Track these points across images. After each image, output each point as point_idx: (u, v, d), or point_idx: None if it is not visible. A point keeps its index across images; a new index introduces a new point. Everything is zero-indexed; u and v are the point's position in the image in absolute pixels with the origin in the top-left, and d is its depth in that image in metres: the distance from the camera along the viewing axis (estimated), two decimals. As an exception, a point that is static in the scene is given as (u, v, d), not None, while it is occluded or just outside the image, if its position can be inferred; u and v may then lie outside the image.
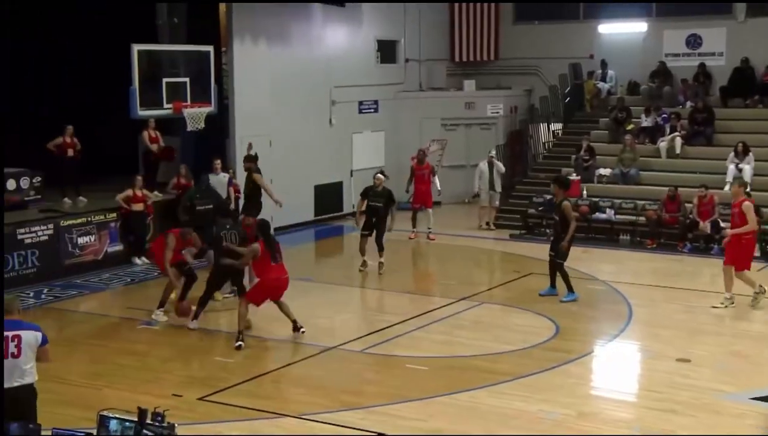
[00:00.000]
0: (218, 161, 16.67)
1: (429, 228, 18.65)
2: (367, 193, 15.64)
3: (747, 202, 13.15)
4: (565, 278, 13.63)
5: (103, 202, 16.48)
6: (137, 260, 16.23)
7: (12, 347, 7.00)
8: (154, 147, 17.56)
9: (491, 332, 12.34)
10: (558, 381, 10.31)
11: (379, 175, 15.82)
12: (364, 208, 15.70)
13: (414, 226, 18.69)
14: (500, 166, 20.10)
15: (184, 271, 12.84)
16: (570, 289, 13.62)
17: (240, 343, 11.40)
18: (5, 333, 7.04)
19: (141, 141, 17.76)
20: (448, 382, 10.24)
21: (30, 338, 7.09)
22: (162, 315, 12.73)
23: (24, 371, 7.08)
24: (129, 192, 16.05)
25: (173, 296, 12.81)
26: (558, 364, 10.83)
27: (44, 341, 7.22)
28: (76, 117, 17.02)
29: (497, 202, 20.25)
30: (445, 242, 17.89)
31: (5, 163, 16.07)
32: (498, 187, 20.06)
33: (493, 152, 20.51)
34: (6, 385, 6.96)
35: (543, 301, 13.90)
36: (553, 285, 13.84)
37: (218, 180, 16.48)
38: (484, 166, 19.93)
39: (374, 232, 15.49)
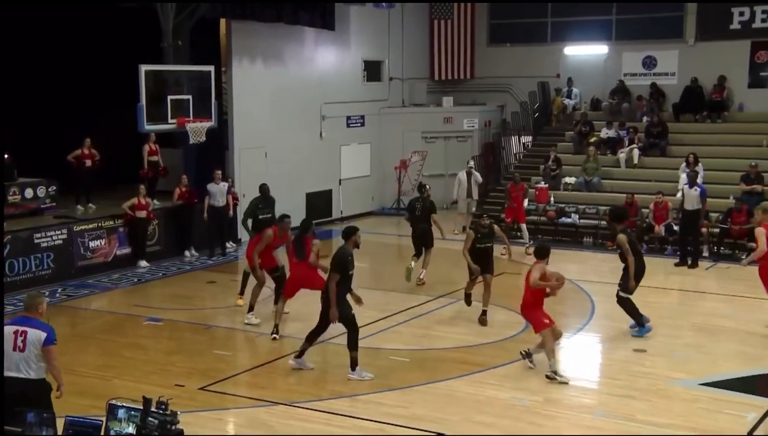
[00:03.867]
0: (219, 172, 16.78)
1: (527, 244, 17.41)
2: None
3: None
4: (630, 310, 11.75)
5: (112, 209, 16.39)
6: (142, 263, 16.11)
7: (18, 341, 6.91)
8: (153, 159, 17.41)
9: (467, 326, 12.33)
10: (528, 371, 10.32)
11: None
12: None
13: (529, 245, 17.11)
14: (478, 176, 20.14)
15: (274, 276, 12.29)
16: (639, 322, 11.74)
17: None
18: (16, 327, 6.98)
19: (143, 153, 17.58)
20: (427, 372, 10.25)
21: (34, 336, 6.93)
22: (254, 318, 12.20)
23: (29, 366, 6.93)
24: (134, 200, 15.96)
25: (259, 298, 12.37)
26: (527, 355, 10.86)
27: (48, 341, 6.95)
28: (90, 130, 16.94)
29: (474, 209, 20.26)
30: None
31: (24, 173, 16.02)
32: (475, 196, 20.08)
33: (471, 163, 20.54)
34: (12, 374, 6.89)
35: (515, 297, 13.86)
36: (638, 321, 11.76)
37: (218, 188, 16.66)
38: (462, 175, 19.95)
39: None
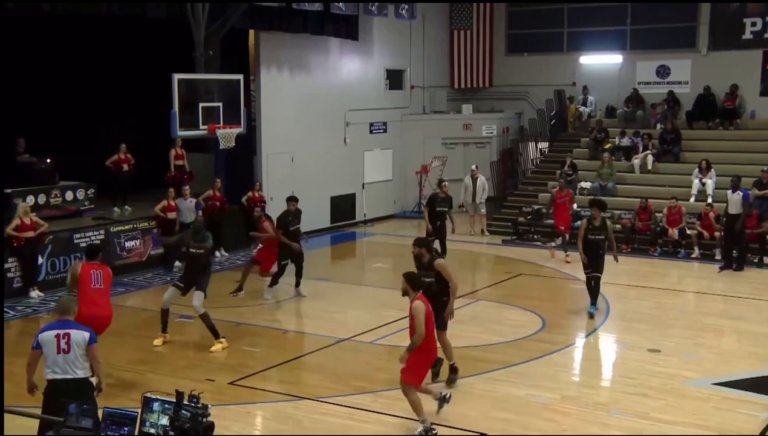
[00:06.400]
0: (187, 187, 16.40)
1: (566, 253, 16.96)
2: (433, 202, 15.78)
3: None
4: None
5: (147, 211, 16.52)
6: (176, 264, 15.97)
7: (62, 344, 6.92)
8: (179, 163, 17.30)
9: (485, 325, 12.31)
10: (544, 369, 10.30)
11: (445, 183, 16.34)
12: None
13: (554, 246, 17.36)
14: (483, 180, 20.05)
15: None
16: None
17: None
18: (56, 331, 6.99)
19: (169, 158, 17.51)
20: (446, 370, 10.22)
21: (78, 336, 6.97)
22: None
23: (76, 366, 6.96)
24: (164, 202, 16.04)
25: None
26: (544, 354, 10.82)
27: (92, 340, 7.04)
28: (126, 136, 17.05)
29: (483, 211, 20.09)
30: (447, 247, 17.84)
31: (65, 177, 16.17)
32: (479, 199, 19.83)
33: (474, 167, 20.39)
34: (58, 377, 6.92)
35: (532, 298, 13.87)
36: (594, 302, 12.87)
37: (186, 205, 16.21)
38: (468, 180, 19.95)
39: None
